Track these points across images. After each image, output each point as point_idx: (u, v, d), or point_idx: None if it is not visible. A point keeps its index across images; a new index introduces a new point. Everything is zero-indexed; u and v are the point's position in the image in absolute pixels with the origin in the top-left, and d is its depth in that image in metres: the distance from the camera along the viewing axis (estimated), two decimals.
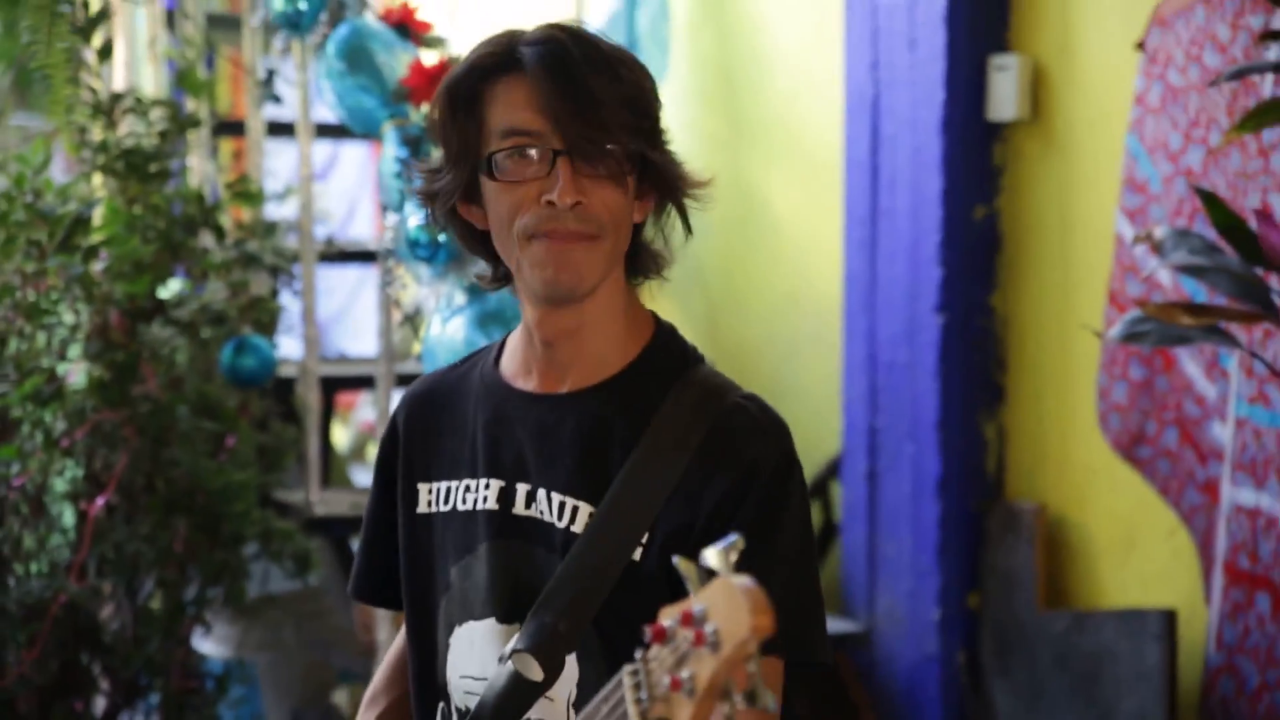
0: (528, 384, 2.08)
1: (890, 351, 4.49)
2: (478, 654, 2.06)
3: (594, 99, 1.93)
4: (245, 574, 4.01)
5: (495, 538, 2.06)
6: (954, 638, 4.32)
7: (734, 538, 1.58)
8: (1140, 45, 3.93)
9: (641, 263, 2.08)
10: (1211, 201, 3.18)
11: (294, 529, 4.05)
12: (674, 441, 2.00)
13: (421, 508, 2.15)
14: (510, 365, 2.11)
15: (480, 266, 2.22)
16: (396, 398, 5.29)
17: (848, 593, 4.66)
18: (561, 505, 2.02)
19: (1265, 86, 3.60)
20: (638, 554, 1.98)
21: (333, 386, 4.80)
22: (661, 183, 2.02)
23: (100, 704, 3.98)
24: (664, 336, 2.10)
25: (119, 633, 3.94)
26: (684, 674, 1.55)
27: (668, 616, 1.58)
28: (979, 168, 4.33)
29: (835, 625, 4.57)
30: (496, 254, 2.05)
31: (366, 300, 6.24)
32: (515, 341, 2.12)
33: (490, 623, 2.04)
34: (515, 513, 2.05)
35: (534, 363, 2.08)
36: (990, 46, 4.29)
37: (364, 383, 5.22)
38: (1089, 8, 4.11)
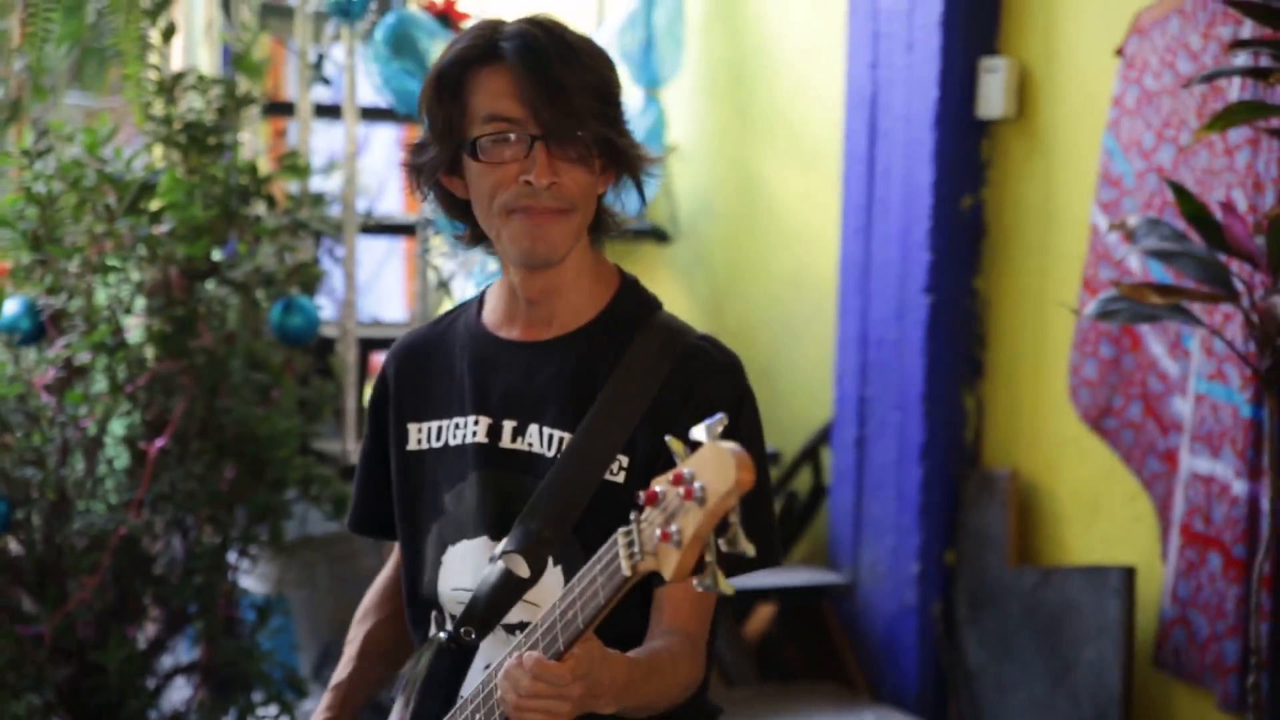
0: (511, 333, 2.19)
1: (881, 329, 4.55)
2: (470, 568, 2.15)
3: (565, 89, 2.04)
4: (287, 515, 4.05)
5: (484, 467, 2.16)
6: (931, 591, 4.41)
7: (719, 415, 1.71)
8: (1119, 51, 4.01)
9: (604, 226, 2.20)
10: (1181, 193, 3.26)
11: (333, 475, 4.08)
12: (643, 376, 2.11)
13: (412, 445, 2.24)
14: (493, 318, 2.22)
15: None
16: None
17: (835, 548, 4.74)
18: (550, 437, 2.13)
19: (1232, 91, 3.69)
20: (619, 475, 2.09)
21: (367, 347, 4.88)
22: (622, 160, 2.13)
23: (150, 630, 4.03)
24: (629, 287, 2.22)
25: (170, 565, 3.97)
26: (672, 528, 1.68)
27: (660, 482, 1.71)
28: (967, 161, 4.40)
29: (823, 577, 4.68)
30: (474, 219, 2.15)
31: (393, 270, 6.31)
32: (496, 297, 2.23)
33: (483, 540, 2.15)
34: (503, 445, 2.16)
35: (517, 315, 2.19)
36: (981, 50, 4.36)
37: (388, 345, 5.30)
38: (1072, 16, 4.17)
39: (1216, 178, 3.75)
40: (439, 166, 2.13)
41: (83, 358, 3.89)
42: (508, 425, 2.17)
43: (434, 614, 2.21)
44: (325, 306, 4.47)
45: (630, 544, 1.75)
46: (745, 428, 2.11)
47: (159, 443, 3.86)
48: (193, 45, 4.77)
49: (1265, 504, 3.42)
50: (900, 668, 4.48)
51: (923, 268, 4.41)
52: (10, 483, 3.78)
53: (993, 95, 4.33)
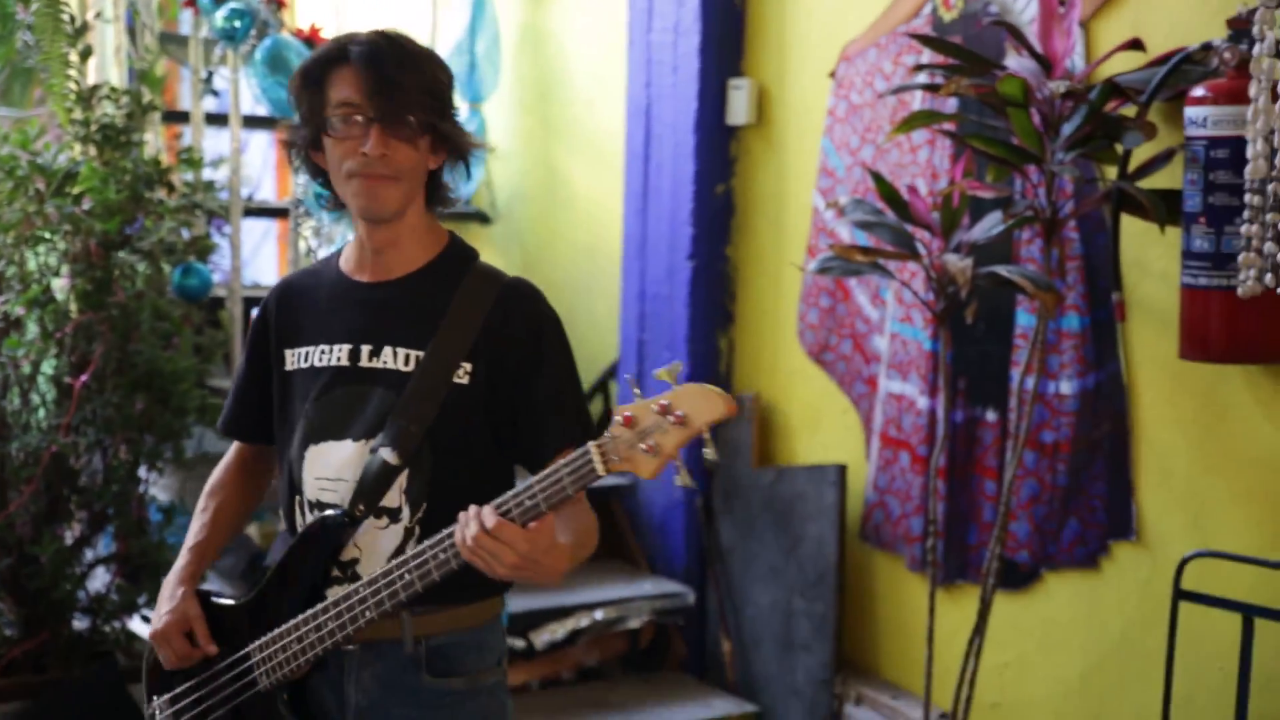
0: (362, 276, 2.22)
1: (655, 287, 4.62)
2: (333, 462, 2.17)
3: (396, 84, 2.09)
4: (187, 436, 4.03)
5: (347, 384, 2.19)
6: (694, 489, 4.48)
7: (676, 360, 1.87)
8: (832, 74, 4.14)
9: (438, 197, 2.24)
10: (879, 180, 3.42)
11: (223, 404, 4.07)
12: (475, 303, 2.16)
13: (288, 366, 2.26)
14: (348, 265, 2.25)
15: None
16: None
17: None
18: (403, 355, 2.16)
19: (915, 103, 3.85)
20: (464, 378, 2.13)
21: (249, 305, 4.82)
22: (450, 142, 2.18)
23: (76, 529, 4.00)
24: (457, 241, 2.27)
25: (92, 477, 3.95)
26: (651, 442, 1.83)
27: (634, 409, 1.85)
28: (720, 158, 4.47)
29: (611, 480, 4.62)
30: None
31: (268, 245, 6.25)
32: (350, 249, 2.26)
33: (347, 442, 2.16)
34: (361, 365, 2.18)
35: (365, 263, 2.22)
36: (729, 72, 4.44)
37: None
38: (797, 47, 4.27)
39: (905, 169, 3.91)
40: (307, 143, 2.18)
41: (18, 312, 3.84)
42: (365, 349, 2.19)
43: (297, 498, 2.22)
44: (215, 272, 4.45)
45: (604, 452, 1.86)
46: (551, 335, 2.19)
47: (82, 379, 3.82)
48: (105, 64, 4.69)
49: (940, 414, 3.59)
50: (671, 547, 4.55)
51: (686, 239, 4.49)
52: None
53: (738, 107, 4.41)
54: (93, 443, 3.92)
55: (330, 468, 2.18)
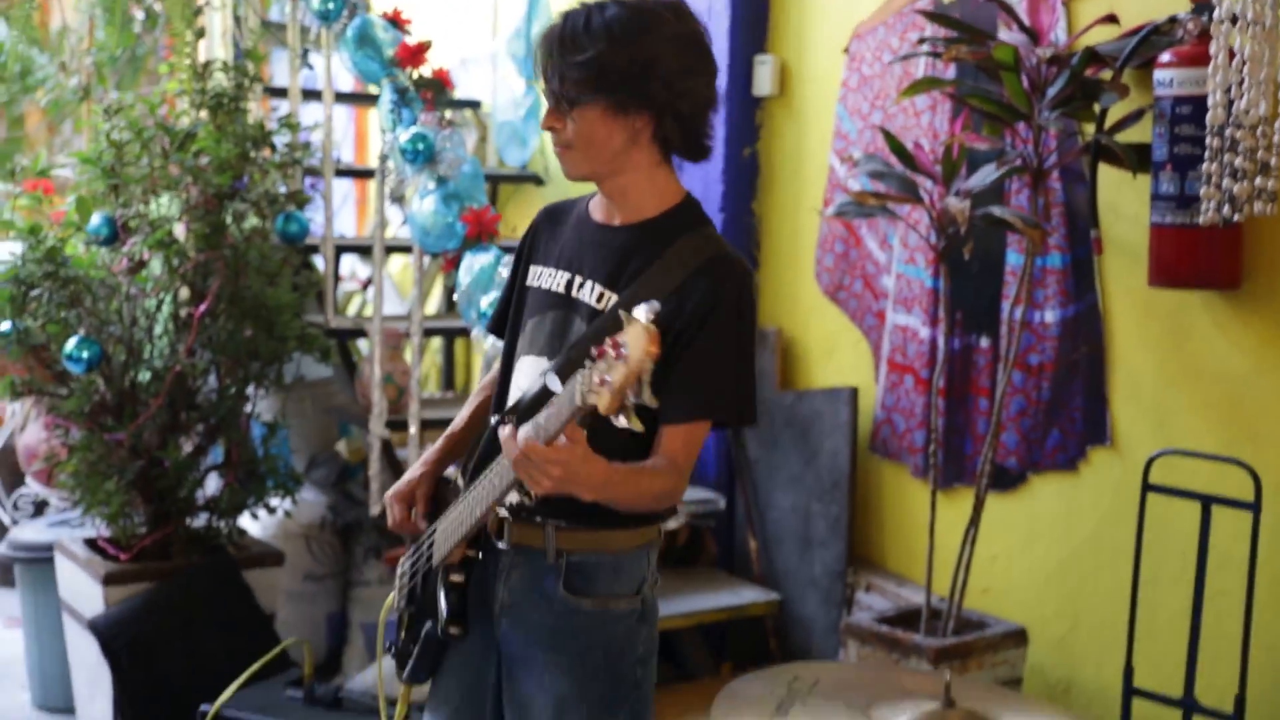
0: (598, 217, 2.17)
1: None
2: (528, 374, 2.15)
3: (553, 64, 2.05)
4: (288, 359, 4.11)
5: (558, 308, 2.15)
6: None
7: (654, 302, 1.74)
8: (845, 50, 4.22)
9: (679, 146, 2.14)
10: (888, 135, 3.51)
11: (318, 334, 4.15)
12: (679, 264, 2.05)
13: (528, 281, 2.24)
14: (593, 204, 2.20)
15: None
16: (391, 258, 5.35)
17: None
18: (598, 293, 2.11)
19: (919, 72, 3.93)
20: None
21: (338, 251, 4.90)
22: (647, 101, 2.06)
23: (194, 439, 4.11)
24: (690, 203, 2.18)
25: (207, 396, 4.07)
26: (608, 377, 1.71)
27: (605, 344, 1.74)
28: (747, 124, 4.52)
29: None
30: None
31: (347, 207, 6.34)
32: (599, 193, 2.20)
33: (544, 359, 2.14)
34: (572, 294, 2.14)
35: (602, 206, 2.17)
36: (755, 49, 4.49)
37: (354, 250, 5.30)
38: (815, 26, 4.34)
39: (909, 131, 3.99)
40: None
41: (145, 254, 3.95)
42: (577, 280, 2.14)
43: (505, 401, 2.20)
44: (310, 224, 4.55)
45: (583, 384, 1.77)
46: (742, 323, 2.07)
47: (201, 309, 3.93)
48: (213, 45, 4.83)
49: (940, 342, 3.71)
50: (704, 460, 4.58)
51: (718, 195, 4.51)
52: (99, 336, 3.86)
53: (763, 80, 4.46)
54: (208, 366, 4.03)
55: (527, 379, 2.15)
